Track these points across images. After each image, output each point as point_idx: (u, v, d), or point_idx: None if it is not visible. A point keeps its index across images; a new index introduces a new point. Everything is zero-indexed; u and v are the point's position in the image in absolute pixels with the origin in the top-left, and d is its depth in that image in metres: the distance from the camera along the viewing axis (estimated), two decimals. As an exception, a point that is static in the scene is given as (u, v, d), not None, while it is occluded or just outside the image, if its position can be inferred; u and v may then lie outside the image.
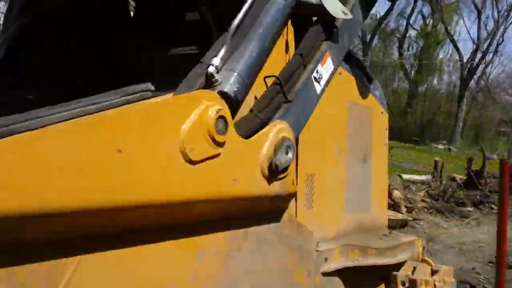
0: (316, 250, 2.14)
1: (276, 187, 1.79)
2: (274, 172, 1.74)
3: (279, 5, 1.91)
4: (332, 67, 2.19)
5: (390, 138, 3.30)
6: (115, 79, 1.77)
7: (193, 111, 1.44)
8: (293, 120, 1.91)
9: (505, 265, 4.00)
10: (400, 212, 9.68)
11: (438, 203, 11.34)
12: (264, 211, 1.87)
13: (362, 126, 2.75)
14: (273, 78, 1.89)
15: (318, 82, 2.09)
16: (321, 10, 2.10)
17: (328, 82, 2.18)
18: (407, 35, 35.05)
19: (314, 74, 2.07)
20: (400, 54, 35.04)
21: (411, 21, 34.50)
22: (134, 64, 2.51)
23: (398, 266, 2.66)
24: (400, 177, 12.32)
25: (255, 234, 1.81)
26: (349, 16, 2.24)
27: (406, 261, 2.74)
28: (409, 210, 10.33)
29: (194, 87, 1.59)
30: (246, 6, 1.80)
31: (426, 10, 34.91)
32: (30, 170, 1.10)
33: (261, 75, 1.86)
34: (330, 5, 2.11)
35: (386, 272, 2.55)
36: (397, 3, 30.41)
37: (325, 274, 2.18)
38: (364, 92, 2.73)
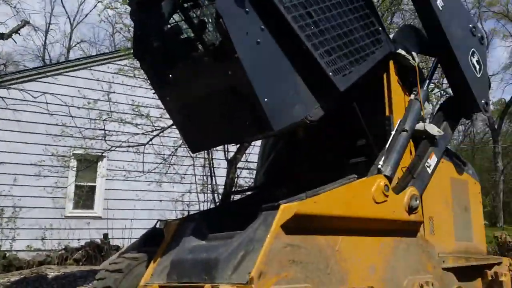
0: (438, 255, 4.15)
1: (412, 217, 3.92)
2: (411, 210, 3.88)
3: (406, 136, 4.15)
4: (436, 160, 4.33)
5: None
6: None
7: (376, 182, 3.71)
8: (418, 186, 4.05)
9: None
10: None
11: None
12: (409, 229, 3.98)
13: (461, 190, 4.76)
14: (406, 168, 4.08)
15: (429, 168, 4.24)
16: (426, 132, 4.31)
17: (435, 167, 4.31)
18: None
19: (426, 164, 4.23)
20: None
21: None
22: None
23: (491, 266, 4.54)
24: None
25: (406, 240, 3.92)
26: (442, 133, 4.41)
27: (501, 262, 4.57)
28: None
29: (374, 173, 3.86)
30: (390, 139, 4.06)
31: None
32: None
33: (401, 166, 4.07)
34: (431, 129, 4.31)
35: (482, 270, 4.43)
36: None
37: (444, 269, 4.16)
38: (459, 170, 4.77)
